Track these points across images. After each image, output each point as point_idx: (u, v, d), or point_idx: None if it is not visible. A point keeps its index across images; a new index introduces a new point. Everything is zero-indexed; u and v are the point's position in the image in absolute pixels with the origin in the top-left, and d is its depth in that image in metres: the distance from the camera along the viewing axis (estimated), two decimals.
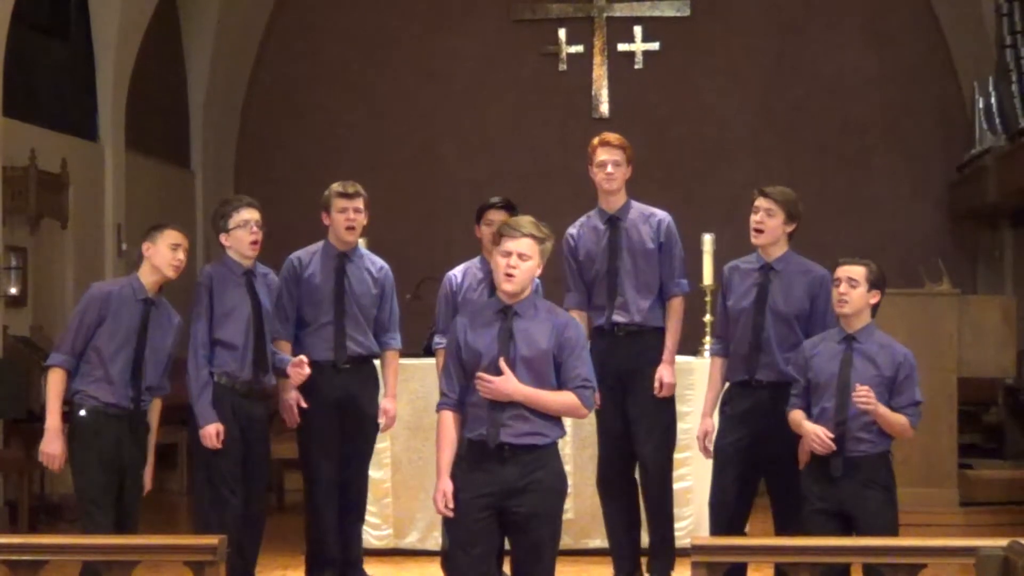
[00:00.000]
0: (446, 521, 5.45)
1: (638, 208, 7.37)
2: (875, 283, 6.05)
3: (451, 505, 5.30)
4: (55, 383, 6.38)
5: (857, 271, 6.05)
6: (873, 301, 6.06)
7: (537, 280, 7.52)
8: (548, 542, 5.37)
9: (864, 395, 5.87)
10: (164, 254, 6.45)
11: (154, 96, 13.47)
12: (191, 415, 6.87)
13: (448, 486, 5.32)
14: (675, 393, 7.33)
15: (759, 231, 6.61)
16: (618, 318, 7.24)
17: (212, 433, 6.75)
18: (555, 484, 5.38)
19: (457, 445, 5.40)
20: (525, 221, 5.45)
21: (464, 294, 7.28)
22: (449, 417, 5.42)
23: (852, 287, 6.03)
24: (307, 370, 6.93)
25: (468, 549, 5.32)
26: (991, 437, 11.87)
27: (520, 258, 5.38)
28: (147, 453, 6.54)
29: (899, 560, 5.00)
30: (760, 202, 6.61)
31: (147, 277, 6.49)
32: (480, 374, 5.30)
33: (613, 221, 7.32)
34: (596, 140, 7.37)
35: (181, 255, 6.49)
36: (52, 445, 6.33)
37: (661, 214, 7.34)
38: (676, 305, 7.31)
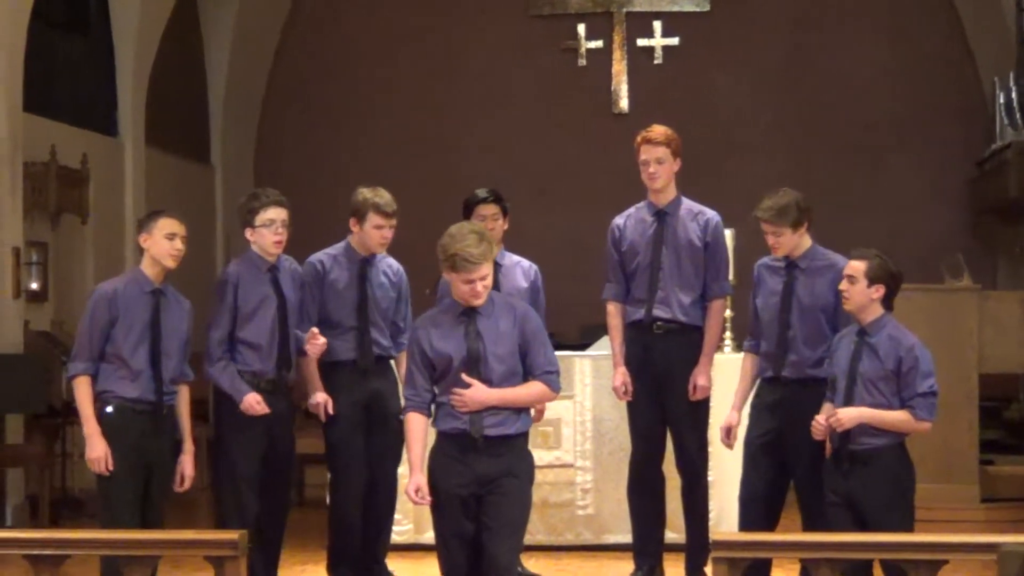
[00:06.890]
0: (433, 516, 5.69)
1: (688, 204, 7.31)
2: (875, 277, 5.93)
3: (427, 497, 5.57)
4: (83, 391, 6.28)
5: (855, 267, 5.98)
6: (875, 296, 5.95)
7: (535, 267, 7.60)
8: (517, 524, 5.64)
9: (817, 427, 6.01)
10: (161, 244, 6.32)
11: (174, 91, 13.51)
12: (217, 410, 6.87)
13: (422, 480, 5.59)
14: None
15: (776, 248, 6.63)
16: (659, 313, 7.19)
17: (253, 401, 6.75)
18: (527, 470, 5.70)
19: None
20: (478, 251, 5.49)
21: None
22: (419, 418, 5.66)
23: (851, 283, 5.98)
24: (322, 340, 6.95)
25: (456, 536, 5.60)
26: (1012, 433, 11.82)
27: (482, 279, 5.56)
28: (172, 449, 6.47)
29: (920, 556, 4.98)
30: (764, 227, 6.60)
31: (150, 269, 6.37)
32: (454, 390, 5.54)
33: (661, 215, 7.26)
34: (640, 136, 7.27)
35: (179, 244, 6.33)
36: (96, 450, 6.22)
37: (710, 213, 7.27)
38: (717, 307, 7.27)
